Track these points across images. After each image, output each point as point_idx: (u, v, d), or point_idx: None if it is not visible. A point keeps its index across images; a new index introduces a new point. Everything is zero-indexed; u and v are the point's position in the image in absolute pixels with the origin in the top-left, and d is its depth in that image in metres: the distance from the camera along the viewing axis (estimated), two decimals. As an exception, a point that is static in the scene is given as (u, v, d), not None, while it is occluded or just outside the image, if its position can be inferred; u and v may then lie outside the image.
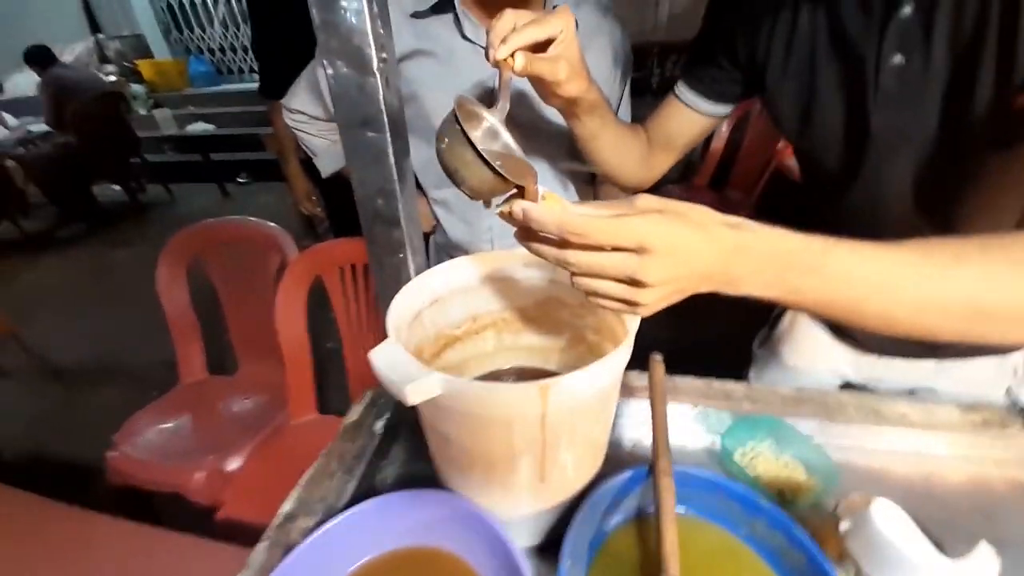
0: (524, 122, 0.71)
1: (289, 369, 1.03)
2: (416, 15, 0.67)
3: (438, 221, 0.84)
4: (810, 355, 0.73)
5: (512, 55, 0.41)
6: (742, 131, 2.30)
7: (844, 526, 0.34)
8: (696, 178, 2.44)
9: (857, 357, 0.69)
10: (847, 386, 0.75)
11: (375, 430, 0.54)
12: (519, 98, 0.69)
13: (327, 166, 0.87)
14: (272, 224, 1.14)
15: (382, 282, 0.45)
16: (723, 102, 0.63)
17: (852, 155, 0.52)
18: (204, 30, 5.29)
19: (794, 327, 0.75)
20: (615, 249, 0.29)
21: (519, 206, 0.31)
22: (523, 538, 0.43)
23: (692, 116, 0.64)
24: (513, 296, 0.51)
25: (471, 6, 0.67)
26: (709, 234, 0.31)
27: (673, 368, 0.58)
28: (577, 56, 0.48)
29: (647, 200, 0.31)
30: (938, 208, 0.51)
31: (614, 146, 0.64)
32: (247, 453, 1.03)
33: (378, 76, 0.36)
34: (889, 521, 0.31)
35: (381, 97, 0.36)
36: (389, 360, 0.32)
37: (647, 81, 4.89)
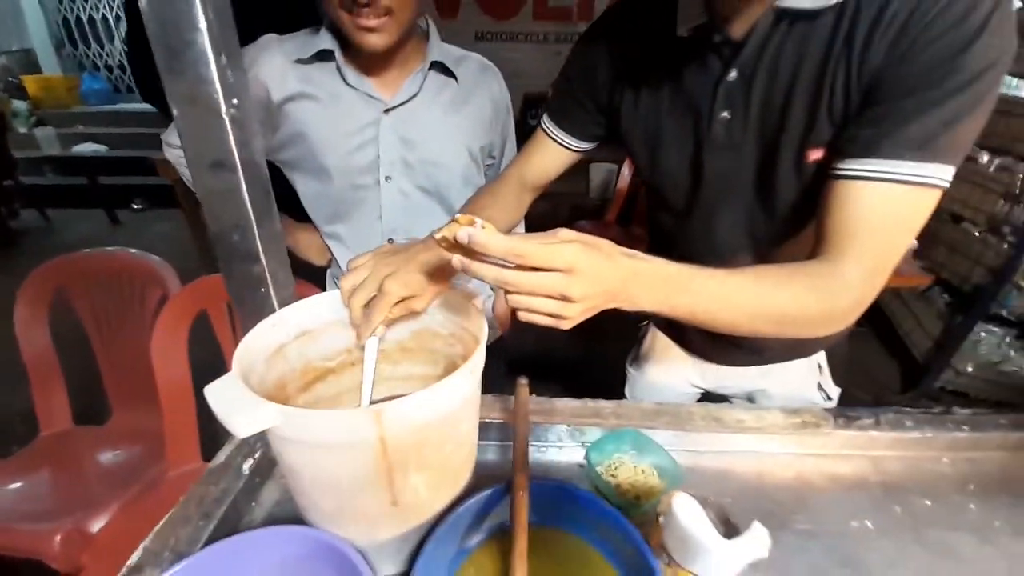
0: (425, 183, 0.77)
1: (168, 414, 0.95)
2: (300, 61, 0.71)
3: (332, 255, 0.84)
4: (668, 370, 0.84)
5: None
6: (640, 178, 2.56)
7: (661, 520, 0.39)
8: (607, 215, 2.66)
9: (703, 368, 0.81)
10: (705, 395, 0.86)
11: (242, 471, 0.52)
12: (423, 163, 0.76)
13: None
14: (151, 256, 1.06)
15: (244, 318, 0.45)
16: (587, 140, 0.68)
17: (691, 193, 0.62)
18: (103, 46, 4.90)
19: (653, 347, 0.84)
20: (548, 271, 0.35)
21: (465, 232, 0.34)
22: (388, 566, 0.44)
23: (562, 152, 0.69)
24: (389, 328, 0.53)
25: (349, 62, 0.72)
26: (615, 262, 0.38)
27: (570, 391, 0.66)
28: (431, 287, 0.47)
29: (567, 232, 0.37)
30: (758, 238, 0.61)
31: (498, 220, 0.70)
32: (114, 511, 0.92)
33: (227, 120, 0.37)
34: (686, 513, 0.36)
35: (232, 140, 0.38)
36: (225, 394, 0.32)
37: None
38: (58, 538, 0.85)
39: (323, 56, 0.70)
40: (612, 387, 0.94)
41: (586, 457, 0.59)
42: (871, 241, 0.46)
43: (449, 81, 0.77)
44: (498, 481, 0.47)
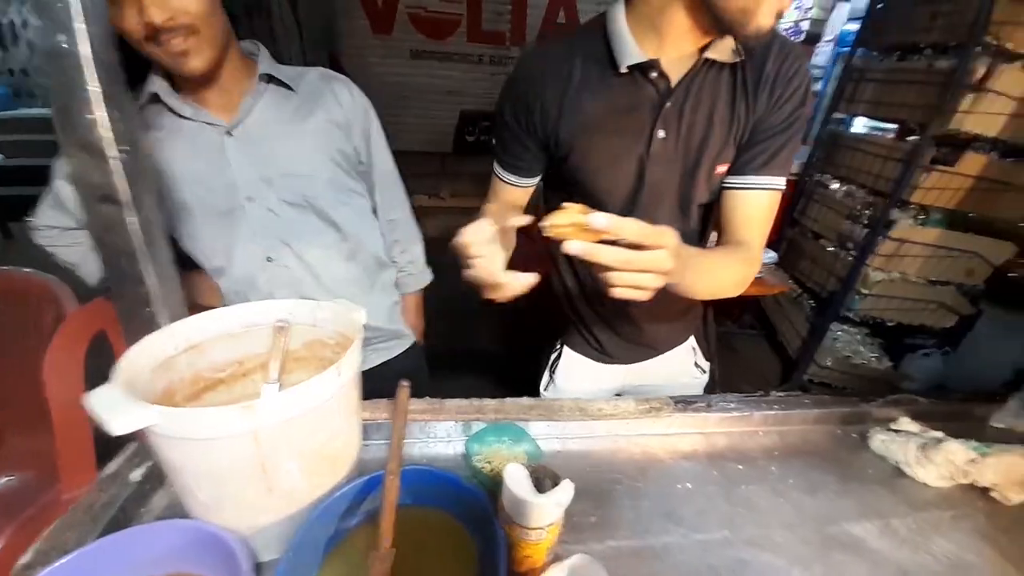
0: None
1: (61, 436, 0.92)
2: (141, 105, 0.71)
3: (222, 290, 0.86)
4: (580, 382, 0.97)
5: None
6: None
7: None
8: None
9: (612, 370, 0.95)
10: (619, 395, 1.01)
11: (131, 479, 0.56)
12: None
13: (92, 275, 0.82)
14: (46, 274, 1.03)
15: (129, 334, 0.50)
16: (535, 175, 0.78)
17: (632, 198, 0.73)
18: (7, 49, 4.45)
19: (566, 366, 0.97)
20: (656, 248, 0.44)
21: (602, 217, 0.41)
22: (270, 551, 0.50)
23: (518, 191, 0.79)
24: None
25: (182, 95, 0.72)
26: (681, 243, 0.50)
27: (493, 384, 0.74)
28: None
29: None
30: (685, 232, 0.74)
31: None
32: (8, 535, 0.88)
33: (113, 162, 0.43)
34: (512, 479, 0.46)
35: (114, 177, 0.43)
36: (103, 399, 0.38)
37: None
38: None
39: (154, 99, 0.71)
40: (533, 381, 1.03)
41: (466, 448, 0.68)
42: (761, 229, 0.71)
43: (289, 94, 0.78)
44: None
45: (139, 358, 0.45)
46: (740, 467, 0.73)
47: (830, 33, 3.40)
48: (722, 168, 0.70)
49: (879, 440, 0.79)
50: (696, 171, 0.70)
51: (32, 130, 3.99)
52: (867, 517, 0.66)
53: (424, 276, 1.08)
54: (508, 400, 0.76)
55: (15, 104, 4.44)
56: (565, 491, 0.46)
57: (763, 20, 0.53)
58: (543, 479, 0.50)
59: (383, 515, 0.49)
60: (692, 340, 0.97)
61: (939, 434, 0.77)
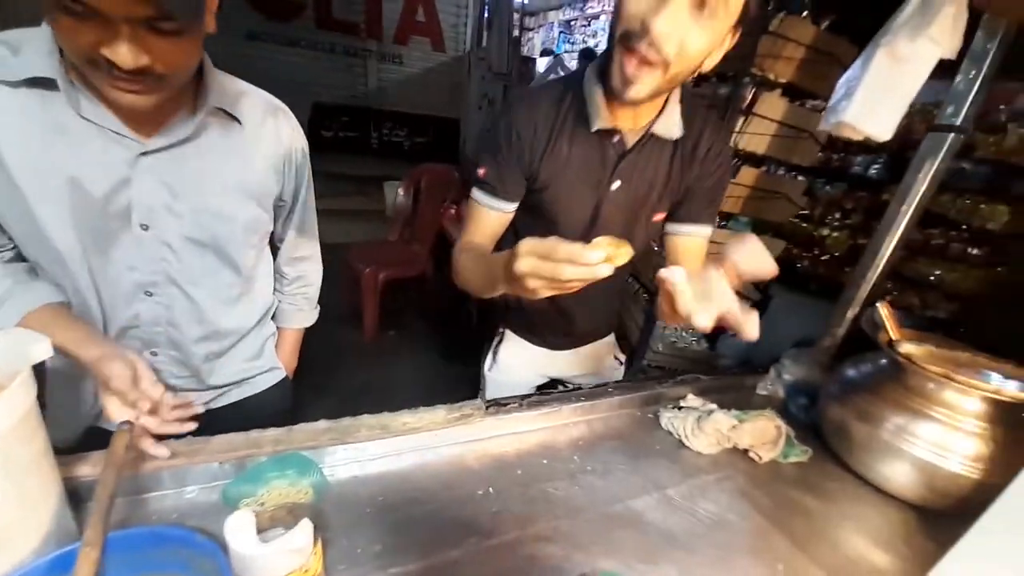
0: None
1: None
2: (5, 83, 0.54)
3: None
4: (522, 364, 1.08)
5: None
6: (417, 200, 2.71)
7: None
8: (388, 237, 2.72)
9: (549, 356, 1.07)
10: (553, 382, 1.15)
11: None
12: None
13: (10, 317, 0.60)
14: None
15: None
16: (517, 201, 0.83)
17: (588, 230, 0.85)
18: None
19: (508, 347, 1.06)
20: None
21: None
22: None
23: (501, 216, 0.83)
24: None
25: (83, 89, 0.56)
26: None
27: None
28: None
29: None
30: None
31: None
32: None
33: None
34: (231, 528, 0.40)
35: None
36: None
37: (367, 142, 5.19)
38: None
39: (37, 83, 0.54)
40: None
41: (222, 494, 0.58)
42: (694, 265, 0.86)
43: (232, 124, 0.67)
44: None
45: None
46: (545, 462, 0.75)
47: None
48: (658, 216, 0.88)
49: (666, 417, 0.88)
50: (639, 215, 0.86)
51: None
52: (648, 491, 0.72)
53: (312, 315, 0.98)
54: (297, 427, 0.68)
55: None
56: (296, 536, 0.41)
57: (632, 94, 0.66)
58: (297, 519, 0.44)
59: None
60: (612, 336, 1.17)
61: (713, 406, 0.89)
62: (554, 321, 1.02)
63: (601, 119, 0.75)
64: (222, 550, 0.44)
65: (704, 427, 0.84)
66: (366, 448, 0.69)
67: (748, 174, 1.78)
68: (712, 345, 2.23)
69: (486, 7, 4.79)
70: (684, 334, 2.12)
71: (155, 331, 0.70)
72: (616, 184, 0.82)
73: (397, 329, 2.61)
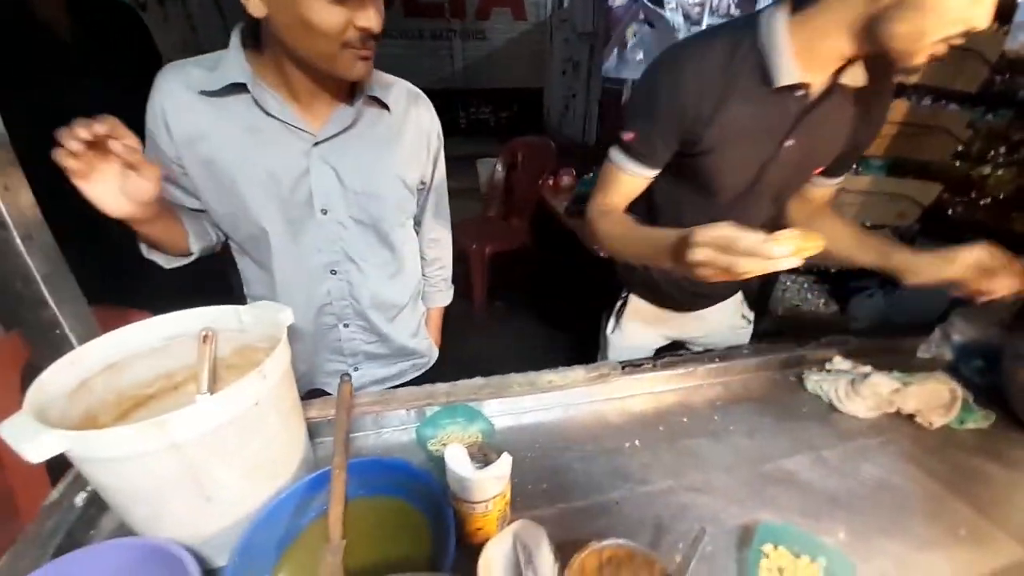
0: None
1: (11, 469, 0.89)
2: (209, 93, 0.65)
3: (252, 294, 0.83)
4: (644, 326, 1.06)
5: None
6: (514, 174, 2.73)
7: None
8: (488, 212, 2.80)
9: (673, 317, 1.04)
10: (670, 345, 1.12)
11: (75, 504, 0.55)
12: None
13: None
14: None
15: (43, 359, 0.48)
16: (659, 168, 0.78)
17: (743, 192, 0.80)
18: None
19: (633, 309, 1.05)
20: None
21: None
22: (221, 556, 0.50)
23: (641, 181, 0.79)
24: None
25: (274, 88, 0.66)
26: None
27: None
28: None
29: None
30: (765, 223, 0.85)
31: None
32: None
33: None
34: (452, 459, 0.48)
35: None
36: (15, 428, 0.37)
37: (456, 123, 5.32)
38: None
39: (235, 88, 0.65)
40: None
41: (416, 434, 0.69)
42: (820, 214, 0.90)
43: (382, 112, 0.75)
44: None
45: (50, 384, 0.44)
46: (685, 420, 0.77)
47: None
48: (818, 172, 0.83)
49: (813, 380, 0.84)
50: (805, 173, 0.82)
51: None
52: (800, 451, 0.71)
53: (449, 293, 1.06)
54: (459, 383, 0.77)
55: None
56: (501, 465, 0.48)
57: (918, 61, 0.60)
58: (489, 455, 0.52)
59: (331, 508, 0.50)
60: (740, 294, 1.09)
61: (867, 369, 0.83)
62: (683, 282, 0.97)
63: (788, 73, 0.67)
64: (426, 475, 0.54)
65: (860, 390, 0.79)
66: (519, 402, 0.76)
67: (898, 107, 1.54)
68: (843, 307, 2.01)
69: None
70: (809, 296, 1.94)
71: (343, 305, 0.82)
72: (791, 142, 0.74)
73: (503, 300, 2.74)
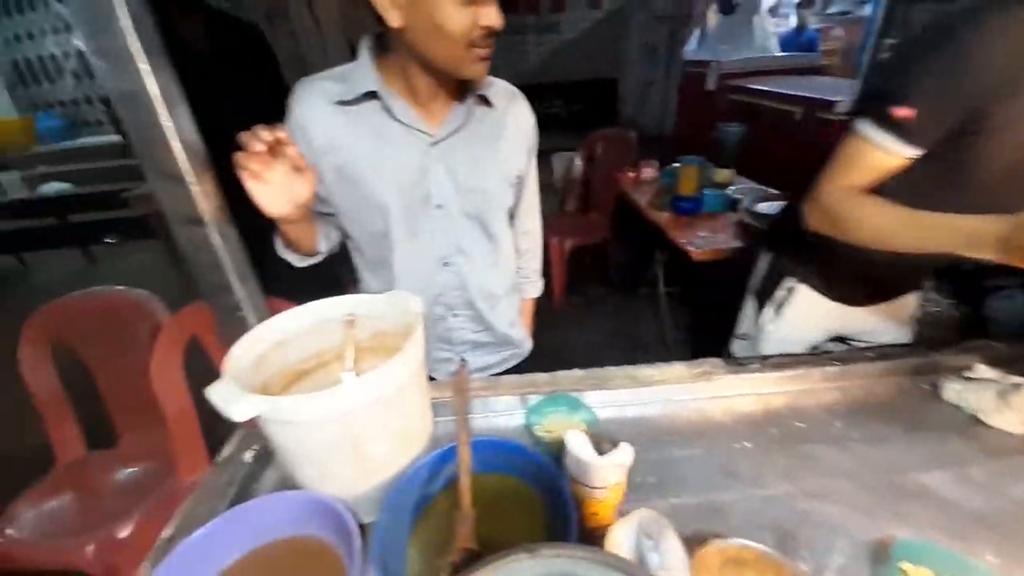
0: None
1: (174, 431, 1.06)
2: (342, 103, 0.71)
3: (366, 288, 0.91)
4: (807, 320, 1.02)
5: None
6: (593, 168, 2.69)
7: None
8: (566, 207, 2.79)
9: (843, 311, 0.98)
10: (836, 339, 1.06)
11: (244, 460, 0.65)
12: None
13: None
14: (139, 290, 1.17)
15: (226, 337, 0.57)
16: (927, 148, 0.68)
17: (1013, 177, 0.68)
18: (54, 82, 4.87)
19: (796, 302, 1.00)
20: None
21: None
22: (368, 514, 0.57)
23: (901, 163, 0.69)
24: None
25: (399, 94, 0.72)
26: None
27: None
28: None
29: None
30: None
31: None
32: (137, 519, 1.04)
33: (190, 187, 0.49)
34: (573, 443, 0.50)
35: (196, 201, 0.50)
36: (222, 393, 0.45)
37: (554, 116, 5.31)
38: (91, 548, 0.97)
39: (367, 96, 0.71)
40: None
41: (526, 419, 0.72)
42: None
43: (488, 110, 0.79)
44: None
45: (240, 356, 0.52)
46: (800, 424, 0.73)
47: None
48: None
49: (952, 389, 0.76)
50: None
51: (94, 158, 4.37)
52: (939, 466, 0.65)
53: (539, 284, 1.09)
54: (560, 373, 0.80)
55: (72, 134, 4.84)
56: (624, 453, 0.50)
57: None
58: (602, 443, 0.53)
59: (461, 480, 0.55)
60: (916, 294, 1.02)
61: (1020, 379, 0.74)
62: (867, 273, 0.88)
63: None
64: (543, 458, 0.57)
65: (1012, 402, 0.70)
66: (619, 395, 0.77)
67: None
68: (976, 308, 1.77)
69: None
70: (935, 295, 1.73)
71: (453, 295, 0.88)
72: None
73: (583, 295, 2.73)
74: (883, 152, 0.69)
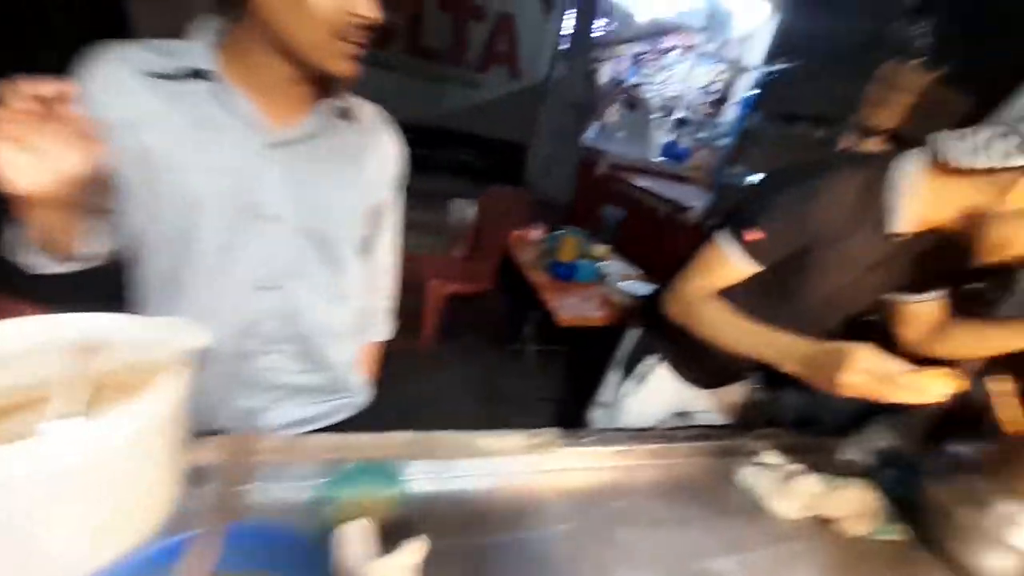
0: None
1: None
2: (158, 75, 0.59)
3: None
4: (660, 398, 1.09)
5: None
6: (486, 219, 2.78)
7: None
8: (452, 251, 2.79)
9: (694, 392, 1.09)
10: (679, 414, 1.14)
11: None
12: None
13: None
14: None
15: None
16: (766, 267, 0.82)
17: (827, 304, 0.91)
18: None
19: (654, 379, 1.08)
20: None
21: None
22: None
23: (747, 274, 0.83)
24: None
25: (237, 80, 0.61)
26: None
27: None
28: None
29: None
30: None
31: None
32: None
33: None
34: (346, 540, 0.41)
35: None
36: None
37: (436, 160, 5.40)
38: None
39: (195, 75, 0.60)
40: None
41: (314, 494, 0.60)
42: None
43: (349, 126, 0.72)
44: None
45: None
46: (621, 504, 0.73)
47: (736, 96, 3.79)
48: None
49: (746, 473, 0.83)
50: (881, 296, 0.93)
51: None
52: (728, 552, 0.68)
53: (387, 327, 0.99)
54: (383, 435, 0.70)
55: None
56: (408, 554, 0.42)
57: (991, 260, 0.69)
58: (400, 534, 0.45)
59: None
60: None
61: (799, 467, 0.83)
62: (713, 360, 0.94)
63: (907, 223, 0.73)
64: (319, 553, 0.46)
65: (791, 489, 0.78)
66: (446, 465, 0.70)
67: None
68: (772, 396, 2.09)
69: (565, 37, 4.94)
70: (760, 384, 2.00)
71: (273, 327, 0.72)
72: (880, 270, 0.82)
73: (452, 341, 2.66)
74: (736, 266, 0.80)
